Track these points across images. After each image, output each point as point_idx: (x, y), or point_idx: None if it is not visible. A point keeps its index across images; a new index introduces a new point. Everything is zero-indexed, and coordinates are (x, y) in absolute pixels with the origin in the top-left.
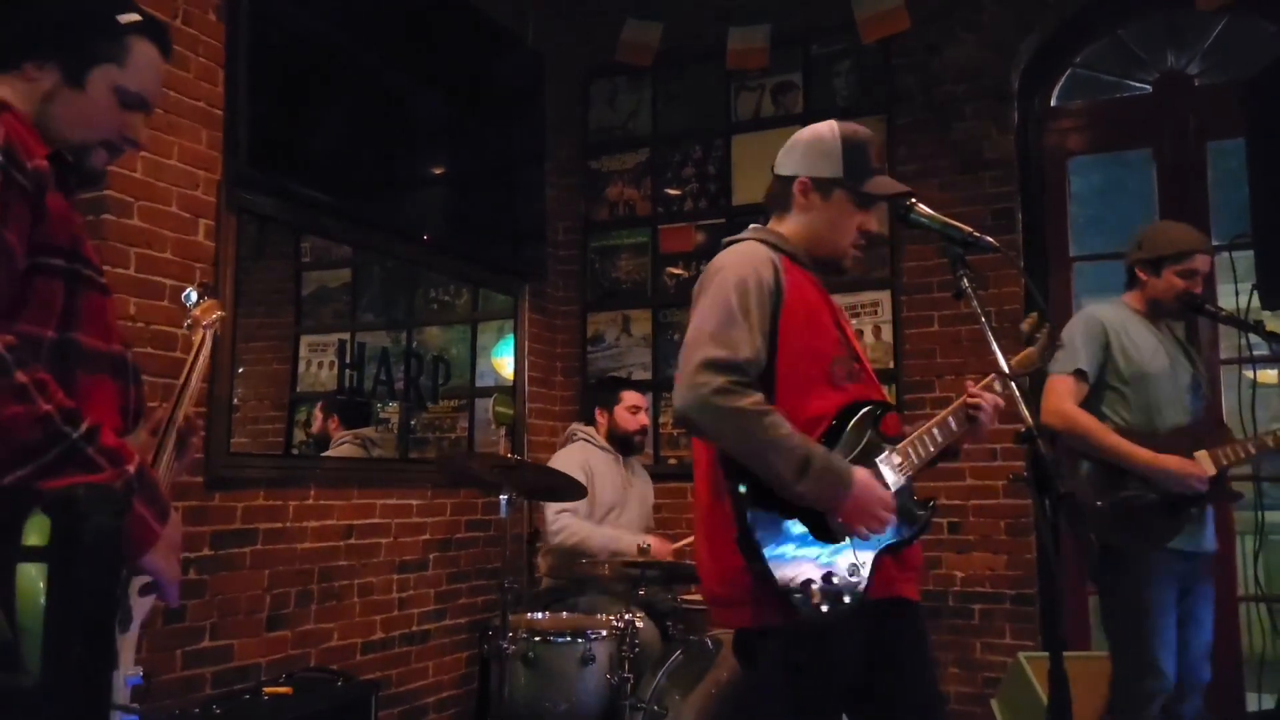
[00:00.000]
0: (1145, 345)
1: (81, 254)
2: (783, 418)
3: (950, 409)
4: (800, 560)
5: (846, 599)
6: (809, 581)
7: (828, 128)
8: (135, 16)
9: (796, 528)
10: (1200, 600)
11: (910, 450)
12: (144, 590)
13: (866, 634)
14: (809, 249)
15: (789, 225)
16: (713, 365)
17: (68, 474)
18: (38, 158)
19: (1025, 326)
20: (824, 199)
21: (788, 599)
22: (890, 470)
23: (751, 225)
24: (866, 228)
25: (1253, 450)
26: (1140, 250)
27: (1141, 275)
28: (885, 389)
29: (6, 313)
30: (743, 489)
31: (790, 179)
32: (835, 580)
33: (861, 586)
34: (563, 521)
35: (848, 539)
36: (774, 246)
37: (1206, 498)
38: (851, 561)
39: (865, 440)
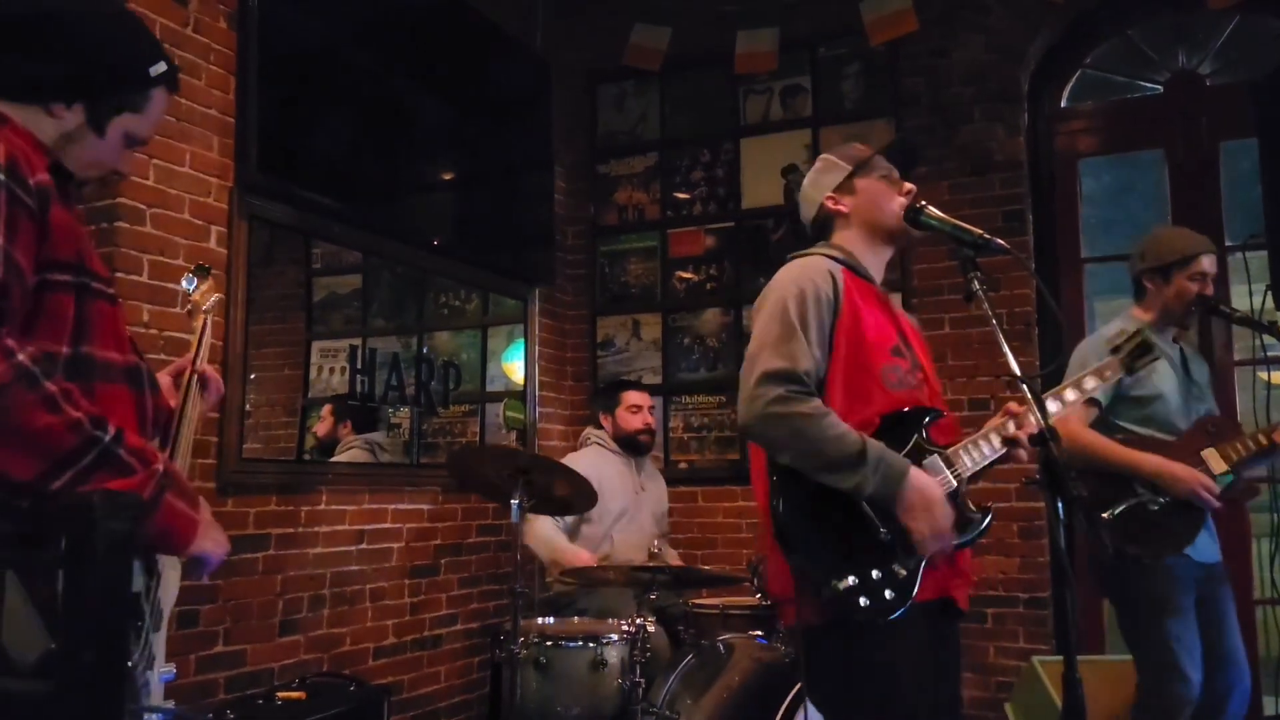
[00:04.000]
0: (1157, 366)
1: (88, 266)
2: (839, 419)
3: (995, 424)
4: (842, 555)
5: (889, 596)
6: (848, 579)
7: (819, 160)
8: (163, 67)
9: (838, 526)
10: (1225, 605)
11: (958, 457)
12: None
13: (926, 634)
14: (872, 241)
15: (841, 239)
16: (772, 377)
17: (102, 477)
18: (40, 171)
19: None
20: (853, 195)
21: (837, 592)
22: (937, 475)
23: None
24: (903, 191)
25: (1264, 442)
26: (1144, 260)
27: (1150, 285)
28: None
29: (20, 332)
30: (782, 492)
31: (819, 209)
32: (877, 578)
33: (909, 586)
34: (529, 515)
35: (887, 533)
36: (834, 259)
37: (1220, 495)
38: (898, 561)
39: (910, 445)
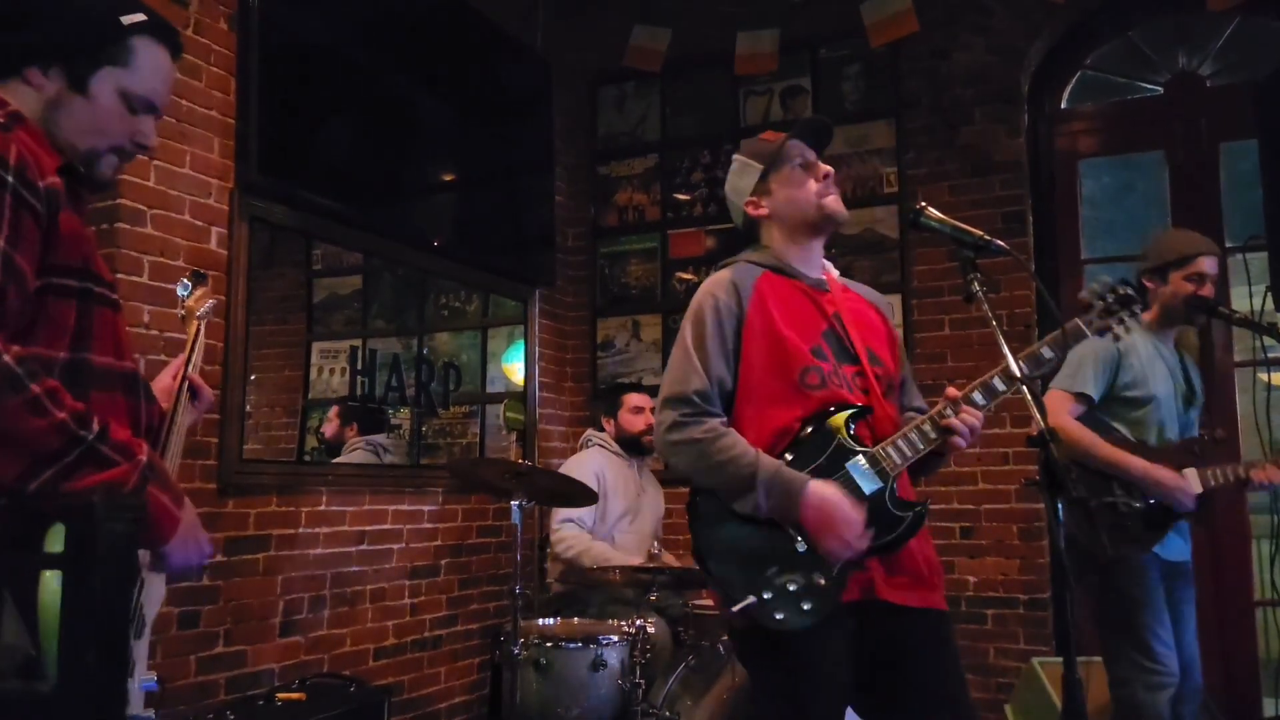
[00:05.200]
0: (1155, 370)
1: (93, 271)
2: (737, 438)
3: (927, 415)
4: (755, 570)
5: (807, 605)
6: (763, 592)
7: (732, 161)
8: (139, 17)
9: (749, 539)
10: (1186, 605)
11: (884, 453)
12: (153, 566)
13: (851, 638)
14: (796, 237)
15: (768, 240)
16: (666, 403)
17: (86, 473)
18: (50, 175)
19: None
20: (770, 196)
21: (745, 607)
22: (862, 475)
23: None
24: (819, 176)
25: (1241, 476)
26: (1146, 261)
27: (1150, 285)
28: (891, 393)
29: (19, 335)
30: (693, 504)
31: (743, 215)
32: (792, 588)
33: (830, 594)
34: (563, 533)
35: (804, 544)
36: (757, 264)
37: (1184, 515)
38: (818, 571)
39: (833, 445)
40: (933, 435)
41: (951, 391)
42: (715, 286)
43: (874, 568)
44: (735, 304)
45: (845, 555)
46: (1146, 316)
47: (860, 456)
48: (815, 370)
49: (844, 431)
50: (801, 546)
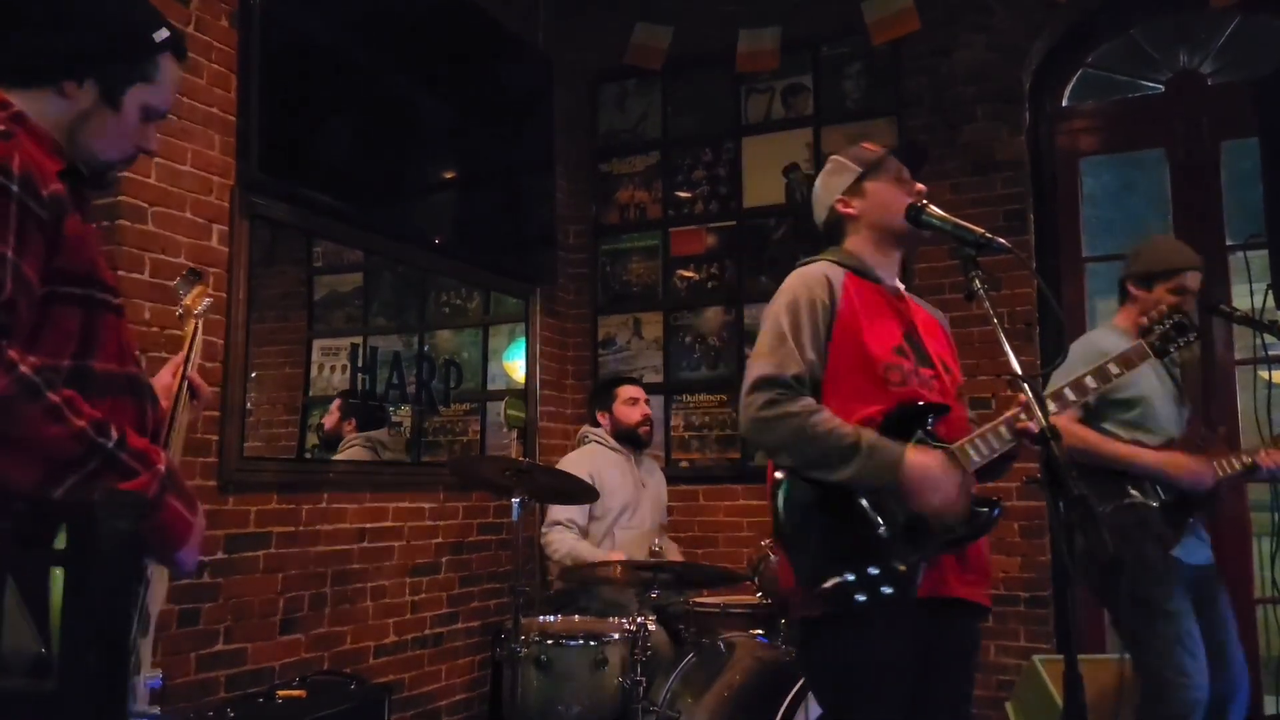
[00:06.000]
0: (1144, 371)
1: (97, 277)
2: (832, 414)
3: (1004, 418)
4: (838, 552)
5: (887, 590)
6: (845, 573)
7: (828, 162)
8: (167, 34)
9: (836, 525)
10: (1224, 609)
11: (962, 451)
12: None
13: (917, 632)
14: (880, 243)
15: (851, 243)
16: (761, 383)
17: (106, 481)
18: (52, 180)
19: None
20: (862, 198)
21: (824, 591)
22: None
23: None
24: (912, 192)
25: (1248, 463)
26: (1133, 265)
27: (1133, 290)
28: (960, 399)
29: (24, 344)
30: (782, 493)
31: (830, 212)
32: (874, 574)
33: (908, 581)
34: (551, 536)
35: (887, 530)
36: (839, 264)
37: (1199, 506)
38: (896, 555)
39: (915, 440)
40: (1008, 437)
41: (1024, 397)
42: (809, 279)
43: (947, 563)
44: (829, 297)
45: (948, 512)
46: (1124, 320)
47: (940, 452)
48: (897, 368)
49: (925, 427)
50: (885, 532)
